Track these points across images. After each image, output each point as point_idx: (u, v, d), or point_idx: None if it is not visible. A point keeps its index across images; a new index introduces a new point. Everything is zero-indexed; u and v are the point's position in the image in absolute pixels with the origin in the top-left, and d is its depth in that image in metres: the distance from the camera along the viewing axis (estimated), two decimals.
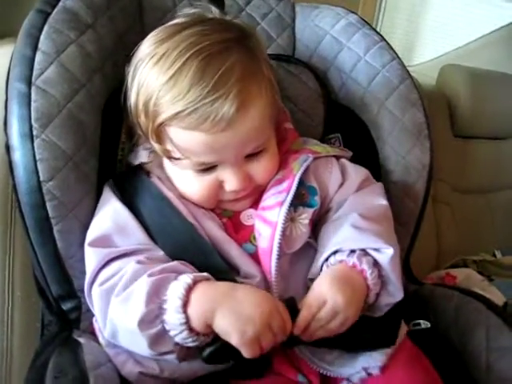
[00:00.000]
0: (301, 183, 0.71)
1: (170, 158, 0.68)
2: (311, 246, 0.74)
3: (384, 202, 0.77)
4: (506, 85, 1.76)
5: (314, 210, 0.73)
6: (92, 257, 0.66)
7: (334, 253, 0.68)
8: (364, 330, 0.66)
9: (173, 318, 0.58)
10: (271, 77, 0.70)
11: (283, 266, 0.68)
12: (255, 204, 0.73)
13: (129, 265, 0.63)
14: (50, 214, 0.67)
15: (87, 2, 0.75)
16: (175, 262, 0.64)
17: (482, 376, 0.76)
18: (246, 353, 0.58)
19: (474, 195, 1.73)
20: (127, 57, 0.81)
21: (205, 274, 0.62)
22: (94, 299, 0.65)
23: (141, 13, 0.87)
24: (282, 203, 0.69)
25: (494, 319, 0.80)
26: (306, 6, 0.99)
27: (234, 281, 0.64)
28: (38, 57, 0.69)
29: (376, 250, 0.67)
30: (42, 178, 0.67)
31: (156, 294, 0.59)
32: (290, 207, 0.69)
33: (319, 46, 0.94)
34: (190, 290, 0.59)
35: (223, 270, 0.66)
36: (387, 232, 0.72)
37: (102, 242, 0.67)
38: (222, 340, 0.59)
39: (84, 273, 0.67)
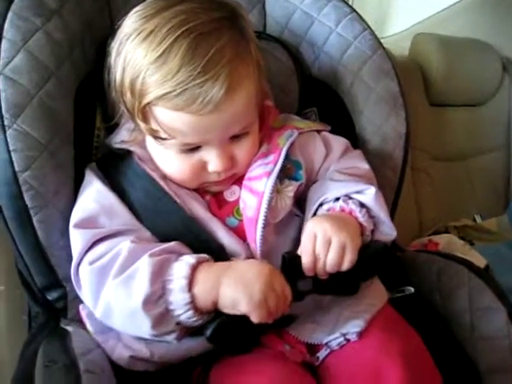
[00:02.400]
0: (287, 157, 0.72)
1: (156, 137, 0.67)
2: (294, 215, 0.76)
3: (366, 165, 0.80)
4: (479, 51, 1.77)
5: (299, 184, 0.75)
6: (78, 238, 0.66)
7: (321, 205, 0.72)
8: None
9: (178, 298, 0.59)
10: (259, 58, 0.69)
11: (268, 236, 0.69)
12: (238, 181, 0.73)
13: (122, 244, 0.63)
14: (29, 205, 0.67)
15: None
16: (174, 243, 0.65)
17: (466, 335, 0.78)
18: (257, 317, 0.59)
19: (452, 162, 1.74)
20: (96, 42, 0.81)
21: (205, 255, 0.64)
22: (83, 279, 0.65)
23: None
24: (269, 173, 0.70)
25: (476, 281, 0.81)
26: None
27: (223, 258, 0.65)
28: (4, 45, 0.67)
29: (358, 192, 0.71)
30: (17, 169, 0.66)
31: (160, 275, 0.60)
32: (276, 178, 0.70)
33: (290, 20, 0.94)
34: (194, 269, 0.61)
35: (212, 248, 0.67)
36: (367, 181, 0.75)
37: (88, 223, 0.67)
38: (223, 317, 0.61)
39: (67, 261, 0.67)
